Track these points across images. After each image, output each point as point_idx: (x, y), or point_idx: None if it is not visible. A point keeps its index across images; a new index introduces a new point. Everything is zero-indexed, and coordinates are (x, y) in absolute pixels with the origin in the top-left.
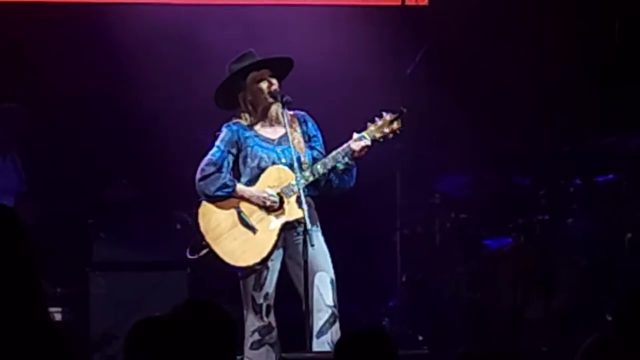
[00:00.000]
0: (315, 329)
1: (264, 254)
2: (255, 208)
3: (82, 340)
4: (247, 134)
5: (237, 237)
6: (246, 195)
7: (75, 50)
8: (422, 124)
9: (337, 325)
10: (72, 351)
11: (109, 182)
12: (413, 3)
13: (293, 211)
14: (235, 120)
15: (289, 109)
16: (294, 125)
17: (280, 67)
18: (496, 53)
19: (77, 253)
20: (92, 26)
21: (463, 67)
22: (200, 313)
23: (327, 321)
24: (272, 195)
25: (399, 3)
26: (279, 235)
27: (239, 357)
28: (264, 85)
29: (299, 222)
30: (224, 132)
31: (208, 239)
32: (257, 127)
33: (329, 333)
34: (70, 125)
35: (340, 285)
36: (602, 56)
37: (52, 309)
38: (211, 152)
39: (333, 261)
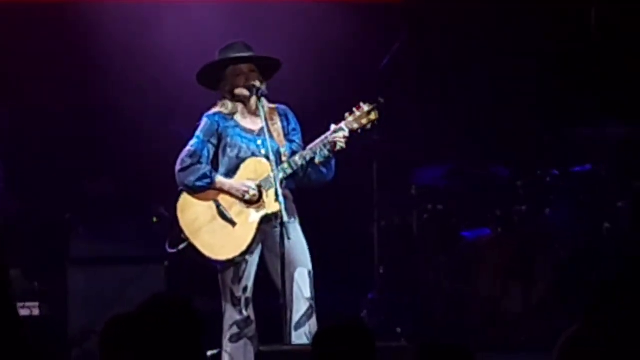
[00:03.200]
0: (294, 321)
1: (243, 248)
2: (234, 201)
3: (61, 335)
4: (228, 123)
5: (216, 230)
6: (225, 188)
7: (53, 48)
8: (398, 116)
9: (314, 317)
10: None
11: (87, 177)
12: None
13: (272, 204)
14: (215, 110)
15: (271, 102)
16: (274, 118)
17: (263, 64)
18: (472, 45)
19: (55, 248)
20: (70, 24)
21: (439, 59)
22: (164, 308)
23: (305, 314)
24: (251, 188)
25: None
26: (258, 228)
27: (216, 351)
28: (241, 77)
29: (276, 215)
30: (204, 122)
31: (187, 232)
32: (238, 118)
33: (307, 325)
34: (47, 121)
35: (318, 278)
36: (579, 45)
37: (29, 304)
38: (191, 142)
39: (311, 253)
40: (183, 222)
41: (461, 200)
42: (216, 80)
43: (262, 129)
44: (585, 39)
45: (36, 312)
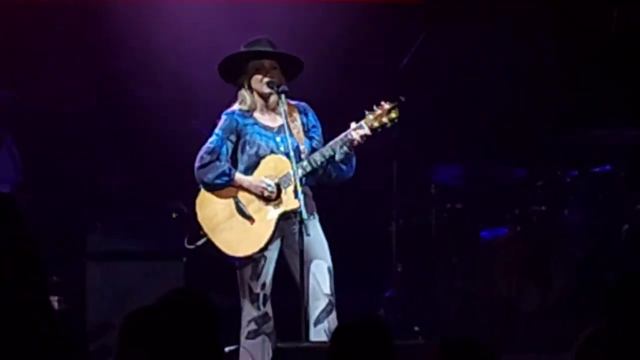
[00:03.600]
0: (312, 317)
1: (262, 244)
2: (253, 198)
3: (79, 329)
4: (247, 121)
5: (235, 227)
6: (244, 185)
7: (73, 44)
8: (418, 115)
9: (334, 314)
10: (74, 340)
11: (106, 172)
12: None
13: (290, 201)
14: (234, 107)
15: (291, 99)
16: (294, 115)
17: (286, 62)
18: (492, 45)
19: (73, 242)
20: (89, 21)
21: (459, 60)
22: (182, 304)
23: (324, 310)
24: (270, 185)
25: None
26: (276, 225)
27: (234, 347)
28: (262, 73)
29: (296, 212)
30: (223, 119)
31: (206, 228)
32: (257, 115)
33: (326, 322)
34: (66, 116)
35: (337, 275)
36: (600, 46)
37: None
38: (210, 139)
39: (330, 251)
40: (202, 218)
41: (480, 200)
42: (237, 73)
43: (281, 126)
44: (605, 40)
45: (55, 306)
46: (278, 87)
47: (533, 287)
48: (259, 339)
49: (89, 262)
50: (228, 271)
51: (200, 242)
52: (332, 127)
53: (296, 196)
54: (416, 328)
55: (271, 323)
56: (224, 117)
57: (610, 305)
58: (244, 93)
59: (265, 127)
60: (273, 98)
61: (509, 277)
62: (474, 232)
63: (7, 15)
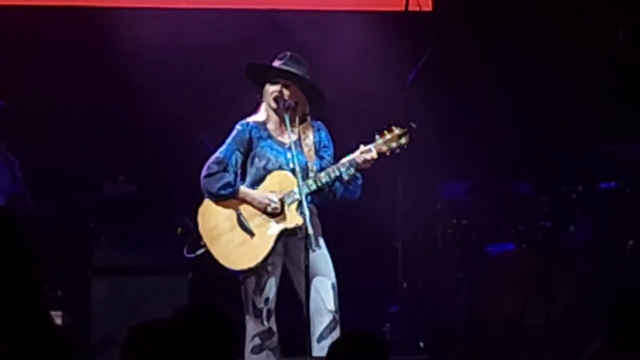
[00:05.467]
0: (316, 334)
1: (259, 259)
2: (255, 212)
3: (82, 344)
4: (260, 133)
5: (234, 239)
6: (248, 198)
7: (79, 53)
8: (424, 130)
9: (338, 330)
10: (74, 354)
11: (111, 186)
12: (417, 9)
13: (292, 218)
14: (250, 119)
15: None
16: (307, 132)
17: (307, 90)
18: (499, 60)
19: (78, 257)
20: (95, 29)
21: (466, 74)
22: (202, 318)
23: (327, 326)
24: (274, 202)
25: (402, 9)
26: (276, 241)
27: None
28: (273, 88)
29: (299, 228)
30: (236, 130)
31: (205, 238)
32: (272, 128)
33: (330, 338)
34: (73, 127)
35: (342, 291)
36: (606, 61)
37: (52, 313)
38: (220, 149)
39: (334, 267)
40: (202, 228)
41: (486, 216)
42: (262, 83)
43: (293, 142)
44: (612, 54)
45: (58, 321)
46: (284, 102)
47: (539, 303)
48: (263, 354)
49: (94, 277)
50: (233, 286)
51: (199, 252)
52: (338, 141)
53: (300, 213)
54: (422, 344)
55: (275, 338)
56: (238, 127)
57: (615, 321)
58: (264, 105)
59: (278, 142)
60: (282, 114)
61: (514, 292)
62: (479, 248)
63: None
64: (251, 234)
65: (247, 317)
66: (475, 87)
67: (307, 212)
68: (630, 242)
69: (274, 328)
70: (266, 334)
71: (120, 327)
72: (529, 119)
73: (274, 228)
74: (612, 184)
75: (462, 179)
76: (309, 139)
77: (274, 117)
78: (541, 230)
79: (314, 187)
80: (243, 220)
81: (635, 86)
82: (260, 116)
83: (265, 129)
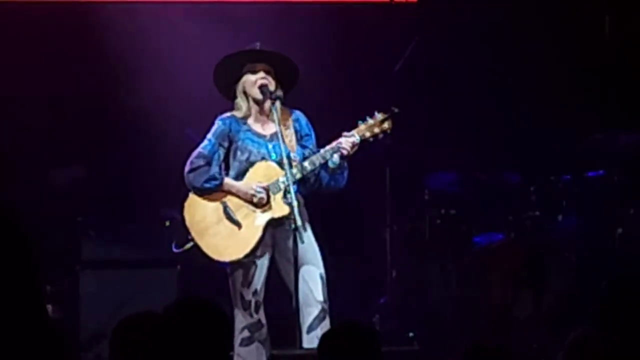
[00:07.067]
0: (305, 325)
1: (247, 250)
2: (241, 203)
3: (72, 338)
4: (240, 127)
5: (222, 231)
6: (233, 190)
7: (67, 48)
8: (411, 120)
9: (327, 320)
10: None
11: (98, 180)
12: (402, 0)
13: (279, 208)
14: (229, 114)
15: (285, 106)
16: (287, 123)
17: (280, 69)
18: (485, 50)
19: (67, 251)
20: (80, 24)
21: (452, 64)
22: (194, 310)
23: (316, 317)
24: (259, 191)
25: (388, 0)
26: (263, 231)
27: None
28: (255, 77)
29: (287, 218)
30: (216, 125)
31: (193, 232)
32: (250, 122)
33: (319, 329)
34: (59, 122)
35: (330, 282)
36: (594, 52)
37: None
38: (202, 144)
39: (323, 258)
40: (189, 222)
41: (474, 206)
42: (232, 81)
43: (273, 133)
44: (599, 44)
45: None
46: (271, 93)
47: (527, 293)
48: (253, 346)
49: (83, 271)
50: (221, 279)
51: (188, 246)
52: (321, 132)
53: (286, 203)
54: (411, 334)
55: (264, 330)
56: (218, 122)
57: (605, 309)
58: (239, 101)
59: (258, 134)
60: (267, 104)
61: (503, 282)
62: (468, 238)
63: None
64: (238, 225)
65: (236, 310)
66: (461, 78)
67: (295, 202)
68: (619, 230)
69: (263, 320)
70: (255, 326)
71: (109, 321)
72: (517, 109)
73: (261, 218)
74: (600, 172)
75: (450, 169)
76: (290, 129)
77: (254, 109)
78: (530, 220)
79: (299, 175)
80: (230, 212)
81: (622, 76)
82: (239, 111)
83: (245, 123)
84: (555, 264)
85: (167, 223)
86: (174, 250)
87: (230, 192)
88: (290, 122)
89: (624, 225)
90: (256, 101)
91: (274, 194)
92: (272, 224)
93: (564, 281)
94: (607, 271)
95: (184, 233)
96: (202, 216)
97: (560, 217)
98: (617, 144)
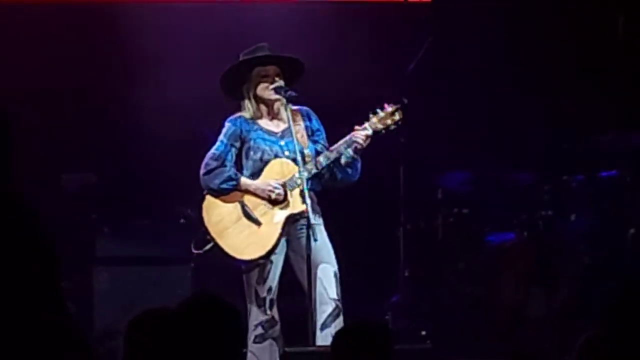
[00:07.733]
0: (319, 322)
1: (269, 247)
2: (259, 201)
3: (85, 334)
4: (250, 127)
5: (242, 230)
6: (251, 189)
7: (78, 46)
8: (425, 119)
9: (340, 318)
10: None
11: (113, 178)
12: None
13: (297, 204)
14: (238, 114)
15: (293, 105)
16: (297, 120)
17: (287, 67)
18: (499, 49)
19: (81, 248)
20: (92, 24)
21: (466, 64)
22: (208, 306)
23: (330, 314)
24: (277, 188)
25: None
26: (283, 228)
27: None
28: (267, 80)
29: (302, 215)
30: (227, 127)
31: (212, 233)
32: (260, 121)
33: (333, 326)
34: (75, 120)
35: (344, 280)
36: (607, 52)
37: None
38: (215, 146)
39: (336, 255)
40: (208, 223)
41: (487, 205)
42: (240, 83)
43: (284, 131)
44: (613, 45)
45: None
46: (287, 92)
47: (539, 292)
48: (266, 343)
49: (96, 268)
50: (235, 276)
51: (207, 247)
52: (337, 131)
53: (303, 199)
54: (423, 332)
55: (278, 327)
56: (227, 124)
57: (615, 310)
58: (247, 103)
59: (269, 132)
60: (277, 104)
61: (515, 282)
62: (480, 237)
63: None
64: (258, 223)
65: (250, 307)
66: (475, 77)
67: (308, 200)
68: (632, 231)
69: (277, 317)
70: (269, 323)
71: (122, 317)
72: (530, 109)
73: (280, 215)
74: (613, 172)
75: (463, 168)
76: (300, 125)
77: (264, 110)
78: (542, 220)
79: (314, 171)
80: (248, 210)
81: (636, 76)
82: (247, 112)
83: (255, 122)
84: (567, 263)
85: (181, 221)
86: (194, 251)
87: (247, 191)
88: (299, 119)
89: (637, 225)
90: (266, 102)
91: (291, 190)
92: (290, 220)
93: (576, 280)
94: (619, 271)
95: (203, 234)
96: (220, 216)
97: (572, 217)
98: (630, 144)
